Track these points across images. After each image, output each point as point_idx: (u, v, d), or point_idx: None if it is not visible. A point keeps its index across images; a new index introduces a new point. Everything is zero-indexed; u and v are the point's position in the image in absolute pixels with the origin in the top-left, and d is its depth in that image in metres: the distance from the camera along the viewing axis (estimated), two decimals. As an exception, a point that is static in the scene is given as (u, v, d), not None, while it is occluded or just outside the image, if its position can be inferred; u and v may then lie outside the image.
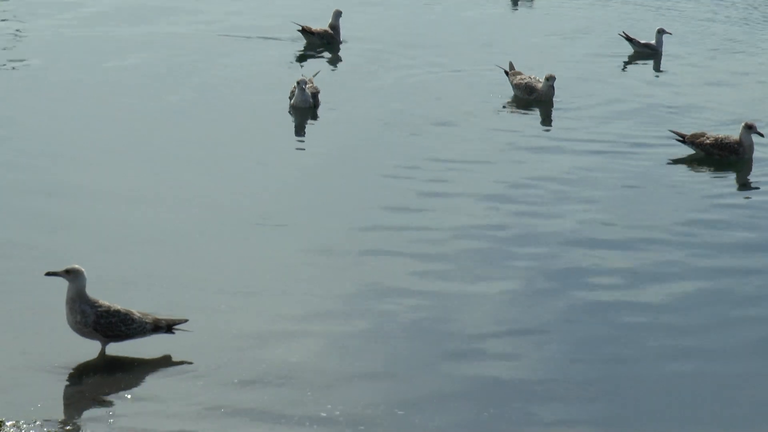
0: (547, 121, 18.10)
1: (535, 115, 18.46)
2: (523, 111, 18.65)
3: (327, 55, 23.13)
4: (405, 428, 9.99)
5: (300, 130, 17.48)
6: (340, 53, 23.19)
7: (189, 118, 18.30)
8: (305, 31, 22.80)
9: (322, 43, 22.90)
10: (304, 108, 17.68)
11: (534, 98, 18.38)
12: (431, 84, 20.57)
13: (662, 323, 12.16)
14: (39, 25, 24.39)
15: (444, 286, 12.84)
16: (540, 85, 18.34)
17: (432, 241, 13.99)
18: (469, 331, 11.79)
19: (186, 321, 10.70)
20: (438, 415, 10.30)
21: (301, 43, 23.21)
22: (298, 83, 17.68)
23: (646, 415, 10.38)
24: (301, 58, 22.55)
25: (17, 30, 23.83)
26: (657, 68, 22.63)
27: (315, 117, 18.00)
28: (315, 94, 17.85)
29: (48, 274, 10.39)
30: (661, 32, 22.78)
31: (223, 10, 26.08)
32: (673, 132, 16.54)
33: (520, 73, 18.86)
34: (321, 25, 23.35)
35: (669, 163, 16.53)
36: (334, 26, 22.79)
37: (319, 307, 12.18)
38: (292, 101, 17.72)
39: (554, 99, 18.49)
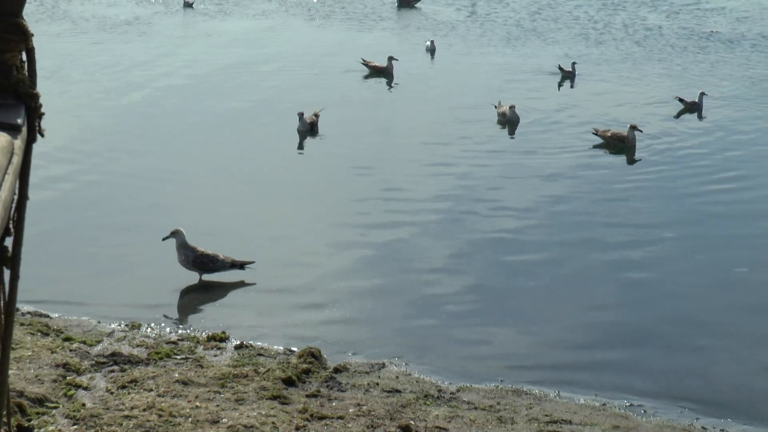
0: (512, 134, 18.78)
1: (505, 131, 19.01)
2: (500, 128, 19.15)
3: (379, 85, 22.80)
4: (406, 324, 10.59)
5: (300, 146, 17.78)
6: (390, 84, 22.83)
7: (249, 129, 18.49)
8: (365, 63, 23.53)
9: (377, 73, 23.30)
10: (303, 131, 18.00)
11: (506, 120, 19.08)
12: (423, 114, 20.24)
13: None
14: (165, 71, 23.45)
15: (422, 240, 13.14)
16: (508, 112, 19.08)
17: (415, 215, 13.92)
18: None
19: (253, 262, 11.56)
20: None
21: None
22: (298, 114, 18.00)
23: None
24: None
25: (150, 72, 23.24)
26: (572, 87, 23.15)
27: (313, 136, 18.06)
28: (313, 123, 18.09)
29: (163, 239, 11.40)
30: (574, 64, 23.72)
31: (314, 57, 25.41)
32: (594, 129, 17.91)
33: (502, 106, 19.39)
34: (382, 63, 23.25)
35: (590, 148, 17.69)
36: (389, 66, 23.13)
37: (329, 256, 12.47)
38: (297, 126, 18.08)
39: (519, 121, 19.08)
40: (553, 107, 21.08)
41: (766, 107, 20.99)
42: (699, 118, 20.27)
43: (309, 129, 18.15)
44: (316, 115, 18.46)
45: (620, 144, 17.53)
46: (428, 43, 26.62)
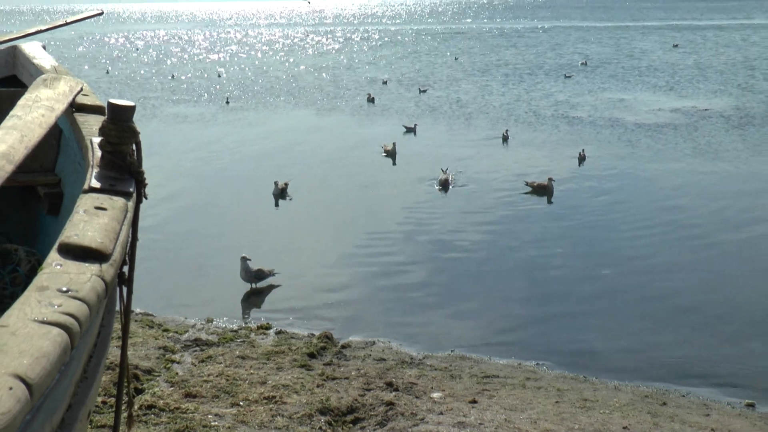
0: (446, 192, 17.02)
1: (437, 192, 17.02)
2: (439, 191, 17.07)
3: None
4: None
5: (276, 203, 15.96)
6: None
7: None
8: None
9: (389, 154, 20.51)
10: (276, 194, 16.05)
11: (440, 182, 17.29)
12: (386, 180, 18.00)
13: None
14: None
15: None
16: (444, 177, 17.32)
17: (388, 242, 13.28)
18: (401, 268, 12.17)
19: (274, 269, 11.22)
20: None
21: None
22: (274, 183, 16.40)
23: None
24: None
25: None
26: (506, 146, 22.29)
27: (283, 198, 16.12)
28: (283, 189, 16.25)
29: (242, 257, 11.22)
30: (507, 132, 23.16)
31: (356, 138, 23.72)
32: (526, 181, 17.25)
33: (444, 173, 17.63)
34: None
35: (524, 194, 16.90)
36: (392, 149, 20.30)
37: (339, 264, 12.17)
38: (272, 191, 16.41)
39: (451, 182, 17.32)
40: (494, 165, 20.11)
41: (623, 161, 20.95)
42: (581, 165, 19.96)
43: (279, 192, 16.48)
44: (286, 184, 16.67)
45: (543, 191, 17.06)
46: (412, 125, 25.26)
